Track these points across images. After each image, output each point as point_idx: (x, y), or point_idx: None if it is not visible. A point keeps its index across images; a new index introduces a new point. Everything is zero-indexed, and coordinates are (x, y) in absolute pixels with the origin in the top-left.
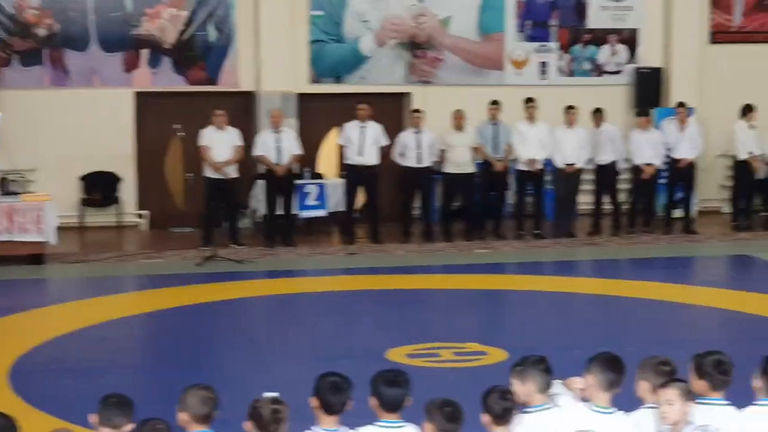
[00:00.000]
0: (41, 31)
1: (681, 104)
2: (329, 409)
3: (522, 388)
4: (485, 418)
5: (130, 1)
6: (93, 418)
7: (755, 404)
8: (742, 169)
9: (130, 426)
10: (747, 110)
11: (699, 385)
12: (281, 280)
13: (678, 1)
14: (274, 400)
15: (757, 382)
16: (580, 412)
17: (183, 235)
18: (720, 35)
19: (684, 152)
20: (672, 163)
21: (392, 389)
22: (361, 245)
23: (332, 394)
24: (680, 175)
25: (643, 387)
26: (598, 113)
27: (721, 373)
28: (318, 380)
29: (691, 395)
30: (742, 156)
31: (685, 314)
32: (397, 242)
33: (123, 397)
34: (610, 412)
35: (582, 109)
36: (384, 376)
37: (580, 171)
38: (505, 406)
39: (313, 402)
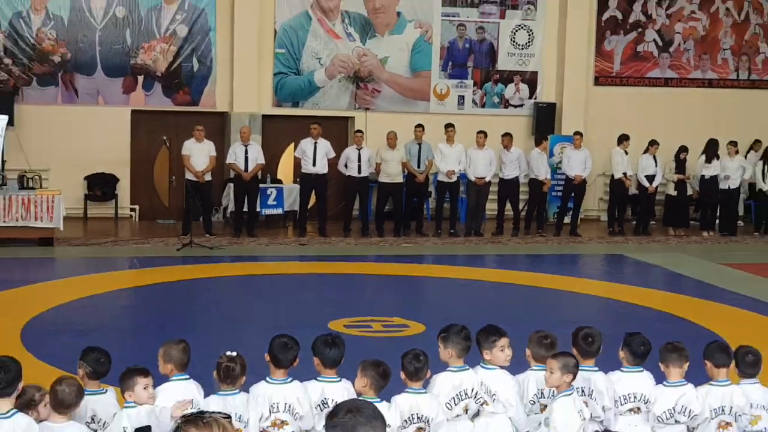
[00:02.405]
0: (56, 58)
1: (577, 132)
2: (278, 363)
3: (445, 351)
4: (402, 375)
5: (129, 35)
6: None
7: (621, 370)
8: (617, 186)
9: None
10: (622, 139)
11: (573, 353)
12: (244, 264)
13: (569, 50)
14: (231, 358)
15: (621, 354)
16: (478, 370)
17: (166, 225)
18: (602, 79)
19: (579, 170)
20: (567, 179)
21: (331, 350)
22: (310, 238)
23: (281, 351)
24: (574, 189)
25: (528, 354)
26: (507, 137)
27: (588, 344)
28: (272, 340)
29: (571, 368)
30: (617, 175)
31: (568, 299)
32: (340, 236)
33: (101, 352)
34: (494, 369)
35: (490, 135)
36: (323, 339)
37: (488, 183)
38: (416, 366)
39: (267, 357)
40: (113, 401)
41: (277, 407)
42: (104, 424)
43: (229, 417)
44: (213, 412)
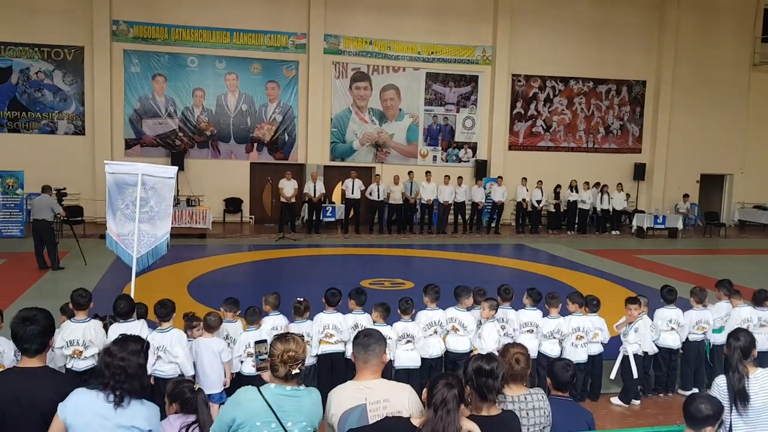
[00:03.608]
0: (208, 133)
1: (499, 176)
2: (329, 303)
3: (424, 298)
4: (399, 311)
5: (249, 120)
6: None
7: (524, 309)
8: (520, 206)
9: (238, 311)
10: (523, 180)
11: (497, 298)
12: (313, 248)
13: (495, 130)
14: (301, 301)
15: (525, 300)
16: (450, 311)
17: (269, 227)
18: (513, 147)
19: (500, 197)
20: (494, 202)
21: (361, 296)
22: (350, 234)
23: (331, 296)
24: (497, 207)
25: (473, 301)
26: (460, 178)
27: (506, 293)
28: (326, 290)
29: (494, 306)
30: (520, 200)
31: (494, 268)
32: (367, 233)
33: (234, 299)
34: (466, 310)
35: (451, 177)
36: (356, 290)
37: (449, 204)
38: (406, 306)
39: (323, 300)
40: (240, 326)
41: (328, 327)
42: (234, 340)
43: (302, 336)
44: (292, 333)
